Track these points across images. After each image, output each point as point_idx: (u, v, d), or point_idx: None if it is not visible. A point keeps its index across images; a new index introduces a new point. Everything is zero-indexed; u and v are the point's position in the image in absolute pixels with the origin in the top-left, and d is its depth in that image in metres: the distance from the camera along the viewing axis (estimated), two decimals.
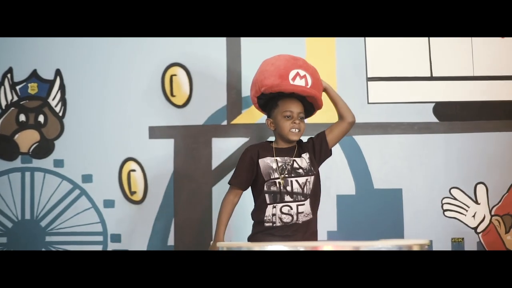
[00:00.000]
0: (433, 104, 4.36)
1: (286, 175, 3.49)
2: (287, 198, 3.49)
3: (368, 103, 4.32)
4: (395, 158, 4.32)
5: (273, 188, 3.49)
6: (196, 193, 4.20)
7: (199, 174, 4.22)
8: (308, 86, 3.48)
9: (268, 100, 3.56)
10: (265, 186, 3.50)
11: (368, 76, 4.35)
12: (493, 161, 4.36)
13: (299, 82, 3.47)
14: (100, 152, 4.21)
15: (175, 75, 4.26)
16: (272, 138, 3.66)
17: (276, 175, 3.50)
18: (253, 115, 4.25)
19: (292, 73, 3.46)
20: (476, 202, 4.34)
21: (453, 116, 4.38)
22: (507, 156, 4.37)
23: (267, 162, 3.52)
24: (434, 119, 4.36)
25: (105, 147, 4.21)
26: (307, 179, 3.52)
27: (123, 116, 4.24)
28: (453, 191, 4.33)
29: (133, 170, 4.21)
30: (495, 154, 4.36)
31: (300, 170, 3.52)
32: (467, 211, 4.34)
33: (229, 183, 3.61)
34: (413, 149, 4.33)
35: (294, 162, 3.53)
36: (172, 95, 4.26)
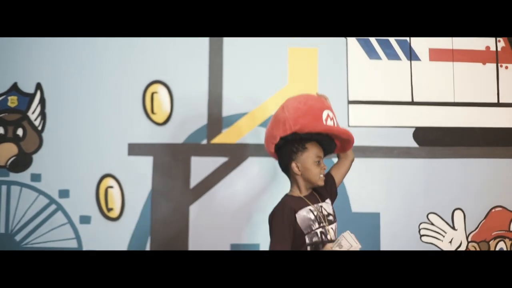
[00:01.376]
0: (414, 129, 4.38)
1: (325, 224, 3.30)
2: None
3: (349, 126, 4.32)
4: (373, 182, 4.33)
5: (315, 239, 3.23)
6: (173, 212, 4.18)
7: (177, 193, 4.20)
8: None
9: (289, 142, 3.30)
10: (306, 239, 3.21)
11: (350, 99, 4.35)
12: (471, 187, 4.38)
13: (330, 123, 3.30)
14: (78, 168, 4.18)
15: (156, 92, 4.25)
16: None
17: (316, 225, 3.25)
18: (233, 135, 4.25)
19: (324, 114, 3.30)
20: (453, 228, 4.35)
21: (433, 141, 4.40)
22: (485, 182, 4.40)
23: (304, 214, 3.24)
24: (414, 144, 4.37)
25: (83, 162, 4.18)
26: (335, 225, 3.37)
27: (103, 132, 4.21)
28: (430, 216, 4.34)
29: (111, 187, 4.19)
30: (473, 180, 4.39)
31: (331, 217, 3.35)
32: (444, 236, 4.35)
33: (272, 249, 3.15)
34: (392, 173, 4.35)
35: (323, 209, 3.34)
36: (152, 112, 4.24)
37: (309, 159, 3.29)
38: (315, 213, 3.28)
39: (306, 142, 3.29)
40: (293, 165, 3.29)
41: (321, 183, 3.34)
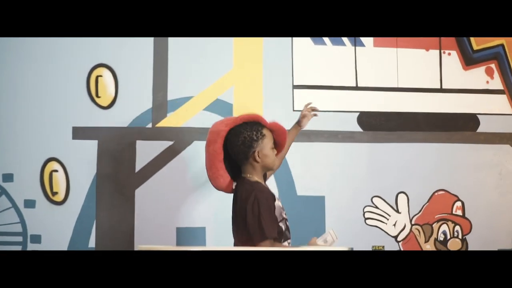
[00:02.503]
0: (358, 114, 4.43)
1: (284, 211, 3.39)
2: (287, 234, 3.38)
3: (294, 110, 4.36)
4: (318, 165, 4.38)
5: (283, 227, 3.33)
6: (118, 195, 4.17)
7: (122, 176, 4.19)
8: None
9: (247, 130, 3.32)
10: (279, 226, 3.29)
11: (294, 83, 4.39)
12: (414, 171, 4.45)
13: None
14: (22, 151, 4.14)
15: (100, 76, 4.23)
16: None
17: (284, 213, 3.37)
18: (178, 119, 4.26)
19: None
20: (397, 211, 4.42)
21: (377, 126, 4.46)
22: (428, 166, 4.47)
23: (277, 203, 3.32)
24: (358, 128, 4.43)
25: (27, 146, 4.14)
26: None
27: (47, 115, 4.17)
28: (374, 199, 4.40)
29: (55, 171, 4.16)
30: (416, 164, 4.46)
31: None
32: (388, 219, 4.41)
33: (267, 237, 3.16)
34: (337, 157, 4.40)
35: None
36: (97, 96, 4.22)
37: (268, 145, 3.33)
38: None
39: (262, 128, 3.32)
40: (256, 152, 3.29)
41: (275, 168, 3.46)
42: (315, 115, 3.88)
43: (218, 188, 3.41)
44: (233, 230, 3.39)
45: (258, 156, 3.29)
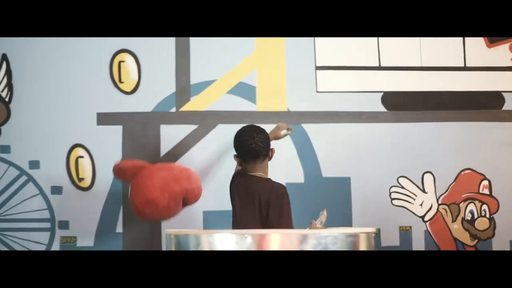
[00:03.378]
0: (381, 94, 4.41)
1: None
2: None
3: (317, 91, 4.35)
4: (343, 146, 4.36)
5: None
6: None
7: (147, 161, 4.19)
8: None
9: (265, 133, 3.55)
10: None
11: (317, 65, 4.38)
12: (440, 150, 4.42)
13: None
14: (48, 138, 4.17)
15: (123, 61, 4.25)
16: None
17: None
18: (202, 102, 4.27)
19: None
20: (424, 191, 4.39)
21: (401, 105, 4.44)
22: (454, 145, 4.44)
23: None
24: (382, 108, 4.41)
25: (52, 133, 4.17)
26: None
27: (71, 102, 4.20)
28: (400, 180, 4.38)
29: (81, 157, 4.19)
30: (442, 143, 4.43)
31: None
32: (414, 199, 4.39)
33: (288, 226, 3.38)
34: (361, 138, 4.38)
35: None
36: (120, 81, 4.24)
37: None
38: None
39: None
40: (272, 150, 3.51)
41: None
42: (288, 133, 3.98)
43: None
44: (245, 218, 3.44)
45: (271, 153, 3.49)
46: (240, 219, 3.43)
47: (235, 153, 3.47)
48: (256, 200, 3.37)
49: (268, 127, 4.22)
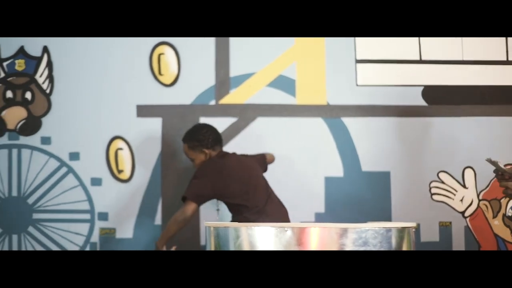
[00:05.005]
0: (422, 88, 4.37)
1: None
2: None
3: (357, 85, 4.32)
4: (383, 140, 4.32)
5: None
6: (183, 172, 4.18)
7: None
8: None
9: None
10: None
11: (357, 58, 4.34)
12: (481, 145, 4.37)
13: None
14: (88, 130, 4.20)
15: (163, 54, 4.25)
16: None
17: None
18: (241, 95, 4.26)
19: None
20: (464, 186, 4.35)
21: (442, 99, 4.39)
22: (495, 140, 4.38)
23: None
24: (423, 102, 4.36)
25: (92, 125, 4.20)
26: None
27: (111, 94, 4.22)
28: (441, 174, 4.34)
29: (121, 149, 4.20)
30: (483, 138, 4.38)
31: None
32: (455, 195, 4.34)
33: None
34: (402, 132, 4.34)
35: None
36: (160, 74, 4.25)
37: None
38: None
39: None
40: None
41: None
42: None
43: None
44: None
45: None
46: None
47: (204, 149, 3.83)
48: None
49: (307, 121, 4.26)
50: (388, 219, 4.22)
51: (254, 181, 3.86)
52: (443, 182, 4.34)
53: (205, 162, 3.83)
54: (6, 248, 4.11)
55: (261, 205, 3.79)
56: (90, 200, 4.17)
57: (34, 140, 4.18)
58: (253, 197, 3.79)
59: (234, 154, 3.94)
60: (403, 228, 2.63)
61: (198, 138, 3.84)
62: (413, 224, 2.69)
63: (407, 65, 4.37)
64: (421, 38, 4.38)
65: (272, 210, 3.80)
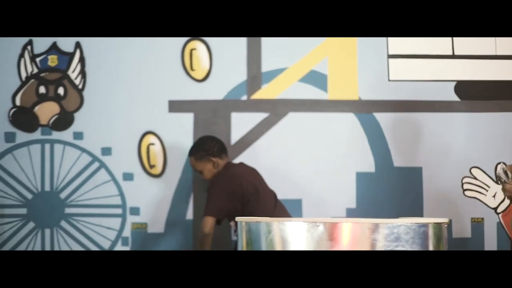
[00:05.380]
0: (455, 83, 4.33)
1: None
2: None
3: (389, 80, 4.29)
4: (415, 136, 4.30)
5: None
6: None
7: None
8: None
9: None
10: None
11: (389, 53, 4.32)
12: None
13: None
14: (120, 125, 4.21)
15: (194, 49, 4.25)
16: None
17: None
18: (273, 90, 4.25)
19: None
20: (497, 182, 4.30)
21: (474, 95, 4.35)
22: None
23: None
24: (455, 97, 4.33)
25: (124, 120, 4.21)
26: None
27: (143, 89, 4.23)
28: (473, 170, 4.31)
29: (152, 144, 4.22)
30: None
31: None
32: (487, 191, 4.31)
33: None
34: (434, 128, 4.31)
35: None
36: (192, 69, 4.25)
37: None
38: None
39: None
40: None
41: None
42: None
43: None
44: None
45: None
46: None
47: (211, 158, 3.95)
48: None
49: (339, 116, 4.24)
50: (420, 215, 4.20)
51: (263, 184, 3.97)
52: (475, 178, 4.31)
53: (215, 177, 3.93)
54: (39, 242, 4.15)
55: (271, 209, 3.87)
56: (122, 195, 4.19)
57: (66, 135, 4.20)
58: (263, 201, 3.88)
59: (241, 163, 4.07)
60: (436, 224, 2.63)
61: (204, 147, 3.94)
62: (445, 220, 2.69)
63: (440, 60, 4.34)
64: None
65: (280, 215, 3.83)
